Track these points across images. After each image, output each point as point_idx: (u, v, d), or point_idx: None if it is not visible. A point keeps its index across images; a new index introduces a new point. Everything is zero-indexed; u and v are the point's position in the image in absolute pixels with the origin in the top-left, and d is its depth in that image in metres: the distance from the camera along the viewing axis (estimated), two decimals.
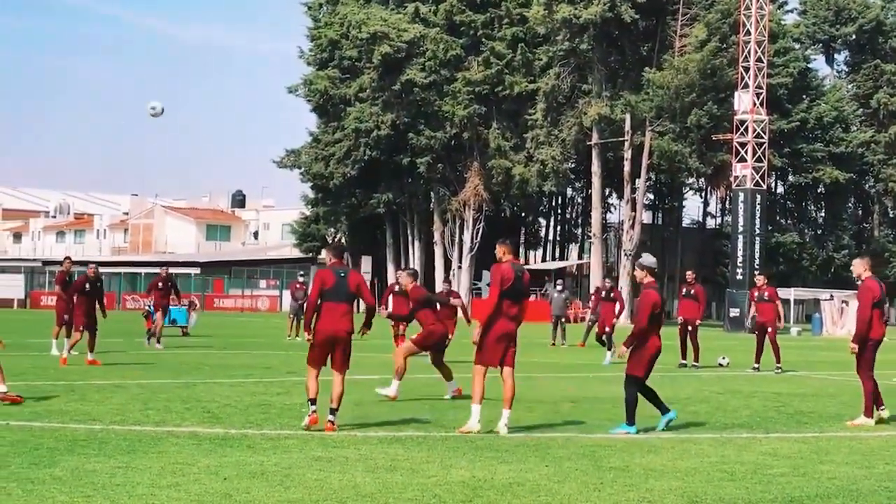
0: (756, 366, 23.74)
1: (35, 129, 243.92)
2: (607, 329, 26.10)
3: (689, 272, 26.71)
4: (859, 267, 14.62)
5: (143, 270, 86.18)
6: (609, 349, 25.59)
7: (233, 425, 12.40)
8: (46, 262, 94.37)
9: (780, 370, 23.30)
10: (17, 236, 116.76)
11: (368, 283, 67.57)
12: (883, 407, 14.35)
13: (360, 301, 13.17)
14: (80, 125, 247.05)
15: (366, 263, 78.53)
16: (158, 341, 27.69)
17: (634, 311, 13.69)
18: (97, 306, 22.48)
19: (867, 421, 14.14)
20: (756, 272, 56.15)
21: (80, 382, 17.30)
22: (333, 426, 12.29)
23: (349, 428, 12.49)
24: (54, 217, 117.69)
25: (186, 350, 26.96)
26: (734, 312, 56.14)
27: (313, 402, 12.29)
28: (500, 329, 12.39)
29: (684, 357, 24.70)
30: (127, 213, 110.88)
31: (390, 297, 26.66)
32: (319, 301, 12.51)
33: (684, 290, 25.82)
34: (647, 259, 13.30)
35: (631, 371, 12.93)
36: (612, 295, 26.72)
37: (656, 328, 12.85)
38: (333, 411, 12.34)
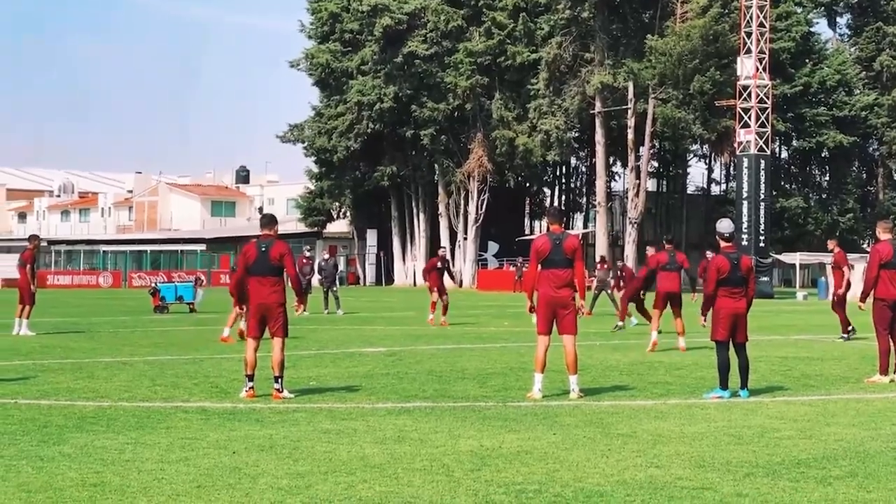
0: (844, 335, 22.88)
1: (38, 109, 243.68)
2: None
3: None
4: (877, 229, 15.33)
5: (148, 248, 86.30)
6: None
7: (241, 400, 12.43)
8: (52, 242, 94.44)
9: (844, 338, 22.69)
10: (22, 216, 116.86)
11: (374, 256, 67.41)
12: None
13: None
14: (82, 104, 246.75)
15: (371, 237, 78.58)
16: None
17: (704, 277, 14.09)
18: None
19: (881, 379, 14.38)
20: (761, 237, 56.18)
21: (87, 360, 17.36)
22: (280, 394, 12.53)
23: (357, 400, 12.53)
24: (59, 196, 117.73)
25: (193, 326, 27.01)
26: None
27: (250, 377, 12.62)
28: (544, 298, 12.53)
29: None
30: (131, 191, 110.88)
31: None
32: (248, 275, 12.69)
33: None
34: (720, 224, 13.41)
35: (712, 336, 13.08)
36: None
37: (726, 291, 12.88)
38: (277, 379, 12.59)
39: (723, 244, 13.19)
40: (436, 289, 27.77)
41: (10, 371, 15.56)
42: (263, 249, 12.64)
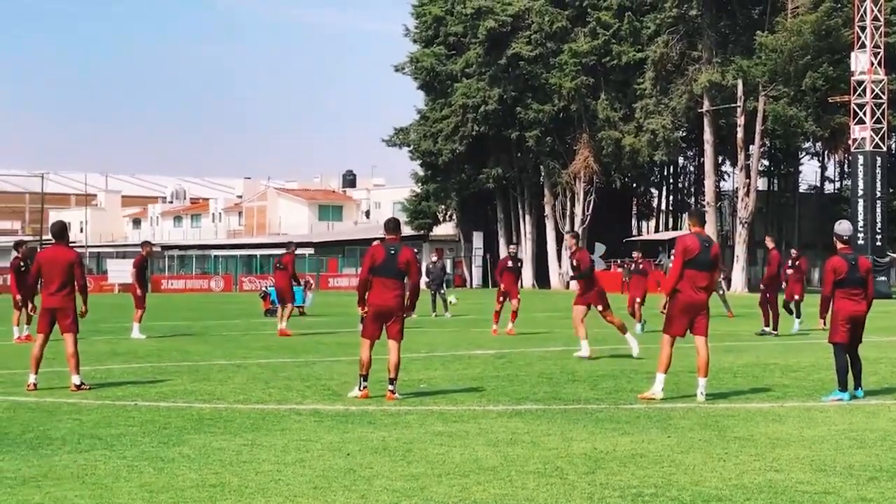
0: None
1: (151, 117, 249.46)
2: (796, 297, 26.04)
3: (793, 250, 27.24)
4: None
5: (258, 252, 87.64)
6: (797, 317, 25.82)
7: (353, 402, 12.53)
8: (165, 247, 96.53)
9: None
10: (137, 222, 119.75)
11: (480, 259, 67.24)
12: None
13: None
14: (193, 112, 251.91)
15: (477, 239, 78.65)
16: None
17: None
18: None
19: None
20: (878, 236, 54.77)
21: (202, 363, 17.68)
22: (393, 395, 12.70)
23: (469, 402, 12.54)
24: (171, 202, 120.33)
25: (304, 330, 27.33)
26: None
27: (365, 377, 12.81)
28: (684, 299, 12.47)
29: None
30: (241, 197, 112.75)
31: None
32: (371, 276, 12.83)
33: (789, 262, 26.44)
34: (839, 226, 13.24)
35: (831, 339, 12.91)
36: (797, 263, 26.54)
37: (845, 293, 12.71)
38: (392, 381, 12.76)
39: (840, 245, 12.99)
40: (505, 294, 24.97)
41: (129, 374, 15.94)
42: (392, 252, 12.79)
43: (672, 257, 13.49)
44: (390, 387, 12.77)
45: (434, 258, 36.23)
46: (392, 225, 13.24)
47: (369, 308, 12.82)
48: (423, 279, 34.96)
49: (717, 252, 12.79)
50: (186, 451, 9.33)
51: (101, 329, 26.63)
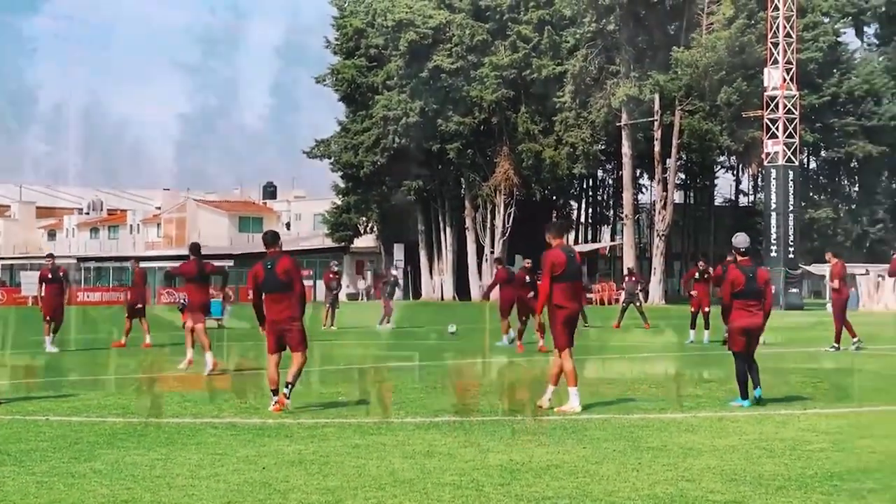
0: (835, 345, 22.90)
1: (67, 127, 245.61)
2: (706, 309, 25.47)
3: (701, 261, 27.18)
4: None
5: (177, 264, 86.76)
6: (707, 328, 25.37)
7: (270, 415, 12.45)
8: (81, 259, 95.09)
9: (835, 348, 22.75)
10: (52, 234, 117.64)
11: (401, 271, 67.03)
12: None
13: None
14: (109, 122, 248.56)
15: (398, 251, 78.63)
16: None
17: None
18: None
19: None
20: (790, 248, 55.82)
21: (117, 376, 17.42)
22: (286, 399, 12.65)
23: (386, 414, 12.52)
24: (87, 214, 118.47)
25: (222, 342, 27.06)
26: None
27: (275, 392, 12.79)
28: (566, 313, 12.64)
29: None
30: (159, 208, 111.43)
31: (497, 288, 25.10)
32: (261, 295, 12.84)
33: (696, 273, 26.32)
34: (736, 239, 13.54)
35: (730, 347, 13.39)
36: (706, 276, 25.99)
37: (742, 304, 13.04)
38: (289, 385, 12.75)
39: (739, 258, 13.35)
40: (528, 313, 23.50)
41: (41, 388, 15.66)
42: (269, 267, 12.78)
43: (540, 275, 13.59)
44: (285, 390, 12.72)
45: (394, 271, 37.07)
46: (268, 238, 13.13)
47: (267, 325, 12.87)
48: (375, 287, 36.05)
49: (579, 259, 13.02)
50: (98, 467, 9.20)
51: (13, 342, 26.14)
